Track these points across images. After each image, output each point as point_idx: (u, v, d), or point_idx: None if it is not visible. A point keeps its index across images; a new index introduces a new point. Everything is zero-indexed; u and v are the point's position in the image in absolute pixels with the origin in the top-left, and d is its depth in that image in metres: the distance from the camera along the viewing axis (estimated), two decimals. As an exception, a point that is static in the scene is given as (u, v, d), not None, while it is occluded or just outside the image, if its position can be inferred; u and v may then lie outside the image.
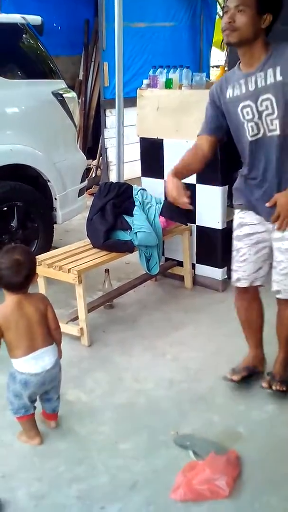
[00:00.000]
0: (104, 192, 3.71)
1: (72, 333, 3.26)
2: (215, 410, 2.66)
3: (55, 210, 4.37)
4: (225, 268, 3.96)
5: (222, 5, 7.98)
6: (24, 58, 4.38)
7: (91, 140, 7.45)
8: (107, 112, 6.56)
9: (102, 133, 6.70)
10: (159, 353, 3.21)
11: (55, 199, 4.33)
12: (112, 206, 3.60)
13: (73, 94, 4.60)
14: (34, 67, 4.39)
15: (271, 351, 2.83)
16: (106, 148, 6.73)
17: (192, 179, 3.85)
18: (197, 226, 3.96)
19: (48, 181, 4.27)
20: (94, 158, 7.18)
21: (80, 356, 3.18)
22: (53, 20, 6.85)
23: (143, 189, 3.83)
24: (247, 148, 2.45)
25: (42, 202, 4.25)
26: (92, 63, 7.27)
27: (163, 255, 4.14)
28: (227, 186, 3.73)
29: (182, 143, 3.80)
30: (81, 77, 7.34)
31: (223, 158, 3.49)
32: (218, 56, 10.13)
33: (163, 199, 3.88)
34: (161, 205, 3.72)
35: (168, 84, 3.94)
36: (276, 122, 2.31)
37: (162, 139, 3.98)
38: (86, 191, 5.09)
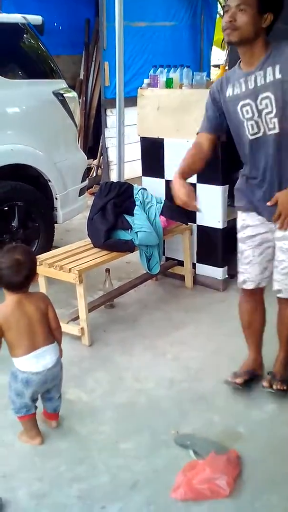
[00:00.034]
0: (104, 192, 3.71)
1: (73, 333, 3.26)
2: (216, 409, 2.67)
3: (56, 209, 4.37)
4: (226, 268, 3.97)
5: (222, 4, 7.99)
6: (25, 58, 4.39)
7: (92, 139, 7.44)
8: (108, 111, 6.56)
9: (103, 133, 6.70)
10: (160, 352, 3.21)
11: (56, 198, 4.33)
12: (113, 206, 3.60)
13: (73, 93, 4.60)
14: (34, 67, 4.39)
15: (271, 350, 2.83)
16: (106, 148, 6.73)
17: (192, 178, 3.82)
18: (197, 225, 3.96)
19: (49, 180, 4.27)
20: (94, 158, 7.18)
21: (81, 355, 3.18)
22: (54, 20, 6.85)
23: (144, 189, 3.84)
24: (247, 148, 2.45)
25: (43, 201, 4.26)
26: (93, 63, 7.27)
27: (164, 254, 4.14)
28: (227, 185, 3.73)
29: (183, 142, 3.80)
30: (81, 77, 7.34)
31: (223, 158, 3.49)
32: (218, 55, 10.13)
33: (164, 198, 3.89)
34: (162, 204, 3.73)
35: (169, 84, 3.94)
36: (275, 121, 2.31)
37: (163, 139, 3.98)
38: (87, 190, 5.09)
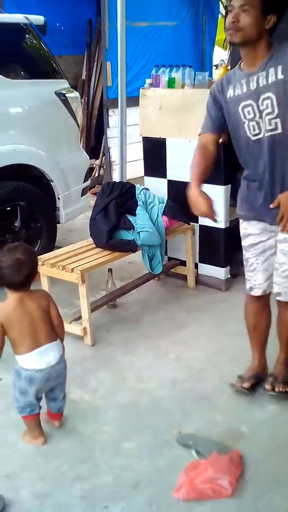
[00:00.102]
0: (107, 192, 3.71)
1: (75, 333, 3.27)
2: (218, 409, 2.67)
3: (58, 209, 4.37)
4: (228, 268, 3.97)
5: (224, 4, 7.99)
6: (27, 58, 4.39)
7: (94, 139, 7.45)
8: (110, 111, 6.57)
9: (105, 133, 6.71)
10: (162, 352, 3.21)
11: (58, 198, 4.34)
12: (115, 206, 3.60)
13: (76, 93, 4.60)
14: (37, 67, 4.40)
15: (271, 352, 2.82)
16: (109, 148, 6.74)
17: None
18: (200, 225, 3.95)
19: (51, 180, 4.27)
20: (97, 158, 7.18)
21: (83, 355, 3.19)
22: (56, 20, 6.85)
23: (146, 189, 3.84)
24: (247, 149, 2.44)
25: (45, 202, 4.26)
26: (95, 63, 7.27)
27: (166, 254, 4.14)
28: (229, 185, 3.73)
29: (185, 142, 3.81)
30: (84, 77, 7.34)
31: (225, 158, 3.49)
32: (220, 55, 10.12)
33: (166, 198, 3.89)
34: (164, 204, 3.73)
35: (171, 84, 3.94)
36: (277, 121, 2.30)
37: (165, 139, 3.98)
38: (89, 190, 5.09)
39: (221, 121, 2.54)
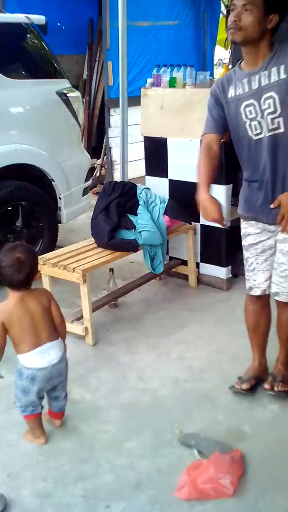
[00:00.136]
0: (108, 191, 3.71)
1: (77, 332, 3.27)
2: (220, 409, 2.67)
3: (60, 209, 4.37)
4: (229, 267, 3.96)
5: (226, 4, 7.99)
6: (28, 57, 4.39)
7: (96, 139, 7.45)
8: (111, 111, 6.57)
9: (106, 132, 6.71)
10: (164, 352, 3.21)
11: (60, 198, 4.34)
12: (116, 205, 3.60)
13: (77, 93, 4.60)
14: (38, 67, 4.40)
15: (272, 352, 2.82)
16: (110, 147, 6.74)
17: (196, 178, 3.85)
18: (201, 225, 3.95)
19: (53, 180, 4.28)
20: (98, 157, 7.18)
21: (85, 355, 3.19)
22: (57, 20, 6.85)
23: (147, 188, 3.84)
24: (248, 149, 2.44)
25: (46, 201, 4.26)
26: (96, 63, 7.27)
27: (168, 254, 4.14)
28: (231, 184, 3.73)
29: (186, 142, 3.82)
30: (85, 77, 7.34)
31: (227, 157, 3.48)
32: (221, 55, 10.12)
33: (167, 198, 3.89)
34: (165, 204, 3.73)
35: (172, 83, 3.94)
36: (279, 120, 2.29)
37: (166, 138, 3.98)
38: (91, 190, 5.09)
39: (224, 121, 2.52)
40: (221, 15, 8.22)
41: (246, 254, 2.65)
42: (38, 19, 4.38)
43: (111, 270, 3.78)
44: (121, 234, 3.56)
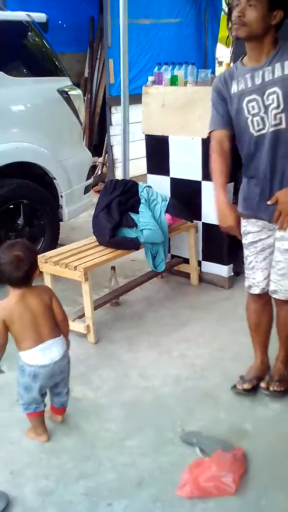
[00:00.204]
0: (109, 190, 3.71)
1: (79, 330, 3.27)
2: (222, 407, 2.67)
3: (61, 207, 4.38)
4: (231, 265, 3.96)
5: (227, 1, 7.96)
6: (29, 55, 4.39)
7: (97, 137, 7.45)
8: (113, 109, 6.56)
9: (108, 130, 6.71)
10: (165, 350, 3.21)
11: (61, 196, 4.34)
12: (118, 204, 3.60)
13: (78, 91, 4.60)
14: (39, 65, 4.40)
15: (274, 350, 2.81)
16: (111, 145, 6.74)
17: (197, 176, 3.86)
18: (203, 223, 3.95)
19: (54, 178, 4.28)
20: (99, 156, 7.18)
21: (87, 353, 3.19)
22: (58, 18, 6.85)
23: (149, 186, 3.83)
24: (247, 145, 2.42)
25: (48, 199, 4.26)
26: (98, 60, 7.27)
27: (169, 252, 4.14)
28: (232, 183, 3.72)
29: (188, 140, 3.81)
30: (86, 75, 7.34)
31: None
32: (222, 53, 10.09)
33: (169, 196, 3.88)
34: (167, 202, 3.73)
35: (173, 81, 3.94)
36: (281, 116, 2.29)
37: (168, 136, 3.97)
38: (92, 188, 5.10)
39: (230, 116, 2.47)
40: (222, 13, 8.18)
41: (246, 252, 2.64)
42: (39, 17, 4.38)
43: (113, 268, 3.78)
44: (123, 232, 3.56)
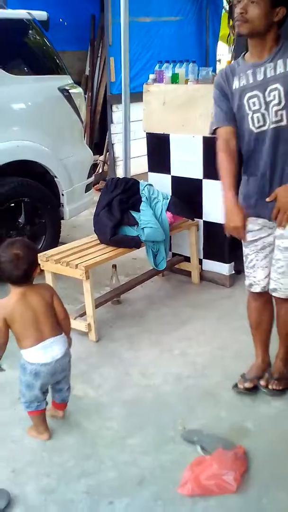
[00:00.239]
0: (111, 188, 3.71)
1: (80, 329, 3.27)
2: (223, 405, 2.67)
3: (62, 206, 4.38)
4: (232, 263, 3.96)
5: (228, -1, 7.95)
6: (30, 54, 4.39)
7: (98, 135, 7.45)
8: (114, 107, 6.56)
9: (109, 129, 6.70)
10: (167, 348, 3.21)
11: (62, 195, 4.34)
12: (119, 202, 3.60)
13: (79, 89, 4.60)
14: (40, 63, 4.39)
15: (273, 348, 2.81)
16: (112, 144, 6.73)
17: (199, 174, 3.86)
18: (204, 221, 3.95)
19: (55, 177, 4.27)
20: (101, 154, 7.18)
21: (88, 351, 3.19)
22: (59, 16, 6.85)
23: (150, 185, 3.83)
24: (247, 142, 2.41)
25: (49, 198, 4.26)
26: (98, 59, 7.26)
27: (170, 250, 4.14)
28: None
29: (189, 138, 3.81)
30: (87, 73, 7.33)
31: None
32: (223, 51, 10.08)
33: (170, 194, 3.88)
34: (168, 200, 3.72)
35: (174, 79, 3.93)
36: (282, 113, 2.28)
37: (169, 134, 3.97)
38: (93, 186, 5.09)
39: (233, 112, 2.44)
40: (223, 11, 8.17)
41: (246, 250, 2.64)
42: (40, 15, 4.38)
43: (114, 266, 3.78)
44: (124, 230, 3.55)
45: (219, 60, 8.74)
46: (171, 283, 4.12)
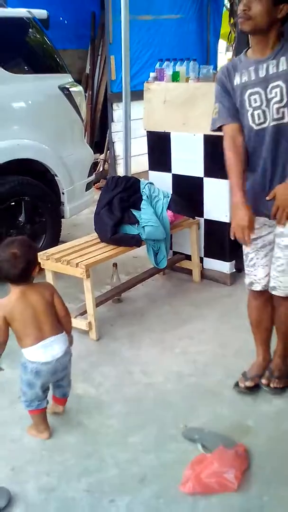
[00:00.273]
0: (111, 186, 3.70)
1: (81, 327, 3.27)
2: (224, 403, 2.66)
3: (63, 204, 4.37)
4: (233, 262, 3.95)
5: (229, -3, 7.94)
6: (31, 52, 4.38)
7: (98, 134, 7.44)
8: (114, 105, 6.55)
9: (109, 127, 6.70)
10: (167, 346, 3.21)
11: (63, 193, 4.34)
12: (120, 200, 3.60)
13: (79, 88, 4.59)
14: (40, 61, 4.39)
15: (274, 346, 2.81)
16: (113, 142, 6.73)
17: (199, 172, 3.85)
18: (205, 219, 3.95)
19: (56, 175, 4.27)
20: (101, 152, 7.17)
21: (89, 350, 3.19)
22: (59, 14, 6.84)
23: (151, 183, 3.83)
24: (247, 139, 2.40)
25: (49, 196, 4.26)
26: (99, 57, 7.26)
27: (171, 248, 4.13)
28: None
29: (189, 136, 3.80)
30: (87, 71, 7.33)
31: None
32: (223, 49, 10.06)
33: (171, 192, 3.88)
34: (169, 198, 3.72)
35: (175, 77, 3.92)
36: (284, 110, 2.27)
37: (169, 133, 3.96)
38: (94, 185, 5.09)
39: (236, 108, 2.42)
40: (224, 9, 8.15)
41: (246, 249, 2.62)
42: (40, 13, 4.37)
43: (115, 265, 3.78)
44: (125, 229, 3.55)
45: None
46: (172, 282, 4.11)
